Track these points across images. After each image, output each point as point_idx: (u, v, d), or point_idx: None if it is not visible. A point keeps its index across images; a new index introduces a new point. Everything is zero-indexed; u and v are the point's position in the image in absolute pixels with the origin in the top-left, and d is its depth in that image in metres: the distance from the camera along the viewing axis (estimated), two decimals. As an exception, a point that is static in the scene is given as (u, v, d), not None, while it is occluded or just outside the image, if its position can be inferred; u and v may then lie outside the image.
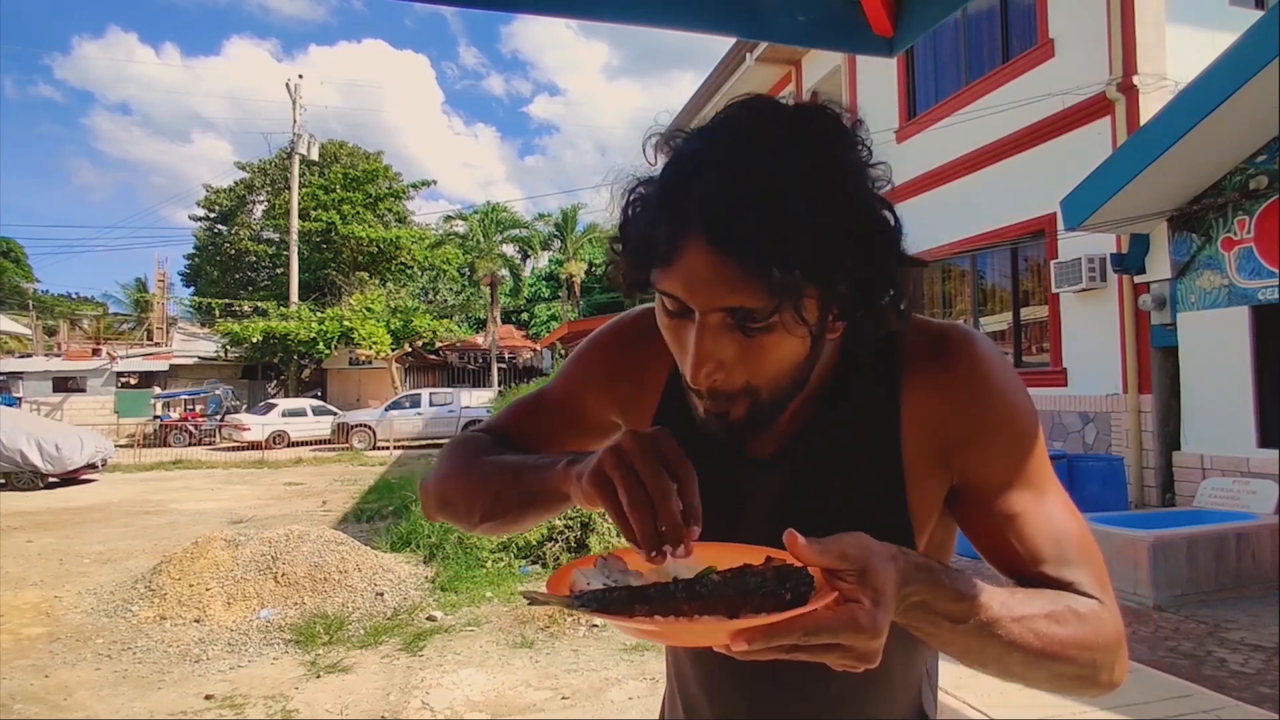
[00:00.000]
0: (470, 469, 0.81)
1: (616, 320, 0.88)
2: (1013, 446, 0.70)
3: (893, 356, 0.73)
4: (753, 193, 0.57)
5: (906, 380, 0.72)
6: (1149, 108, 6.35)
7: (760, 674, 0.74)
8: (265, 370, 25.83)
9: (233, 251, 30.87)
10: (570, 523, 6.32)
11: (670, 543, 0.57)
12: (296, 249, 27.39)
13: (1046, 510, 0.69)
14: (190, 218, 32.86)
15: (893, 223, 0.64)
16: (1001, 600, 0.59)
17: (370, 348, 22.94)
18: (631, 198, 0.66)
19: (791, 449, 0.75)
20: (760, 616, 0.50)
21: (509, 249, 32.42)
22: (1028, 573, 0.68)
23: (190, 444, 20.45)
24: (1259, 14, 6.34)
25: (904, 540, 0.68)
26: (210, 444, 20.47)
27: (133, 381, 23.81)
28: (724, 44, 12.40)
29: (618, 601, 0.54)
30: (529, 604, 0.58)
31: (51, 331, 28.97)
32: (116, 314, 34.60)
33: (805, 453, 0.74)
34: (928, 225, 9.17)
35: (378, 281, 29.34)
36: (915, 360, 0.72)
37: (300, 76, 40.83)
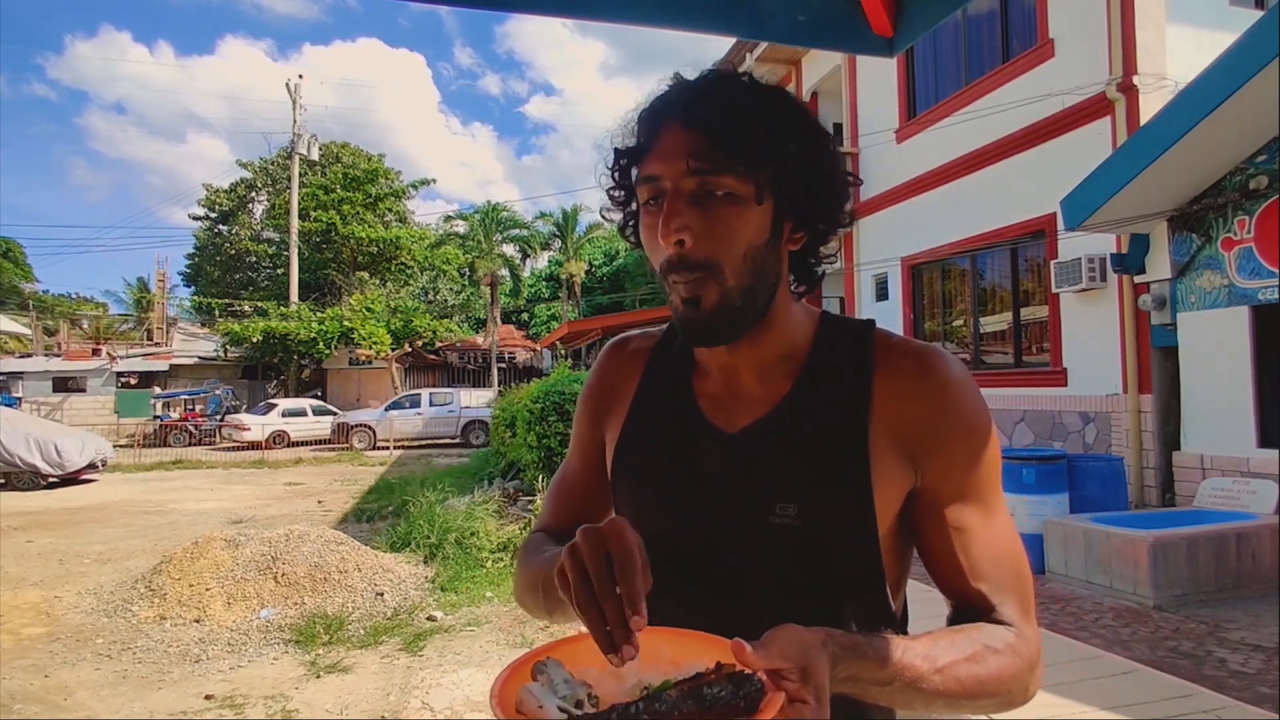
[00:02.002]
0: (524, 574, 0.88)
1: (595, 362, 0.97)
2: (972, 464, 0.75)
3: (868, 354, 0.78)
4: (718, 92, 0.72)
5: (880, 381, 0.76)
6: (1149, 108, 6.35)
7: None
8: (265, 370, 25.82)
9: (233, 251, 30.87)
10: (570, 523, 6.31)
11: (619, 642, 0.60)
12: (296, 249, 27.39)
13: (993, 530, 0.76)
14: (190, 217, 32.89)
15: (839, 158, 0.76)
16: (924, 654, 0.65)
17: (370, 348, 22.94)
18: (621, 132, 0.78)
19: (762, 426, 0.78)
20: None
21: (509, 249, 32.44)
22: (965, 590, 0.75)
23: (190, 444, 20.44)
24: (1259, 14, 6.34)
25: (868, 527, 0.73)
26: (210, 444, 20.46)
27: (133, 381, 23.79)
28: (724, 44, 12.39)
29: None
30: None
31: (51, 331, 28.96)
32: (117, 314, 34.64)
33: (775, 431, 0.77)
34: (928, 225, 9.18)
35: (378, 281, 29.33)
36: (892, 367, 0.77)
37: (300, 76, 40.86)
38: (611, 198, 0.82)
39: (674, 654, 0.64)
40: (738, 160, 0.69)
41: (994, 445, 0.77)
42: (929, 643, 0.67)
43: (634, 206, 0.80)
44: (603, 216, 0.87)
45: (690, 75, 0.76)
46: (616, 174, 0.80)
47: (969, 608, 0.75)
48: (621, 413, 0.88)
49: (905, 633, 0.81)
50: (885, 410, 0.75)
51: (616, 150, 0.78)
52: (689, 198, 0.71)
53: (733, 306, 0.72)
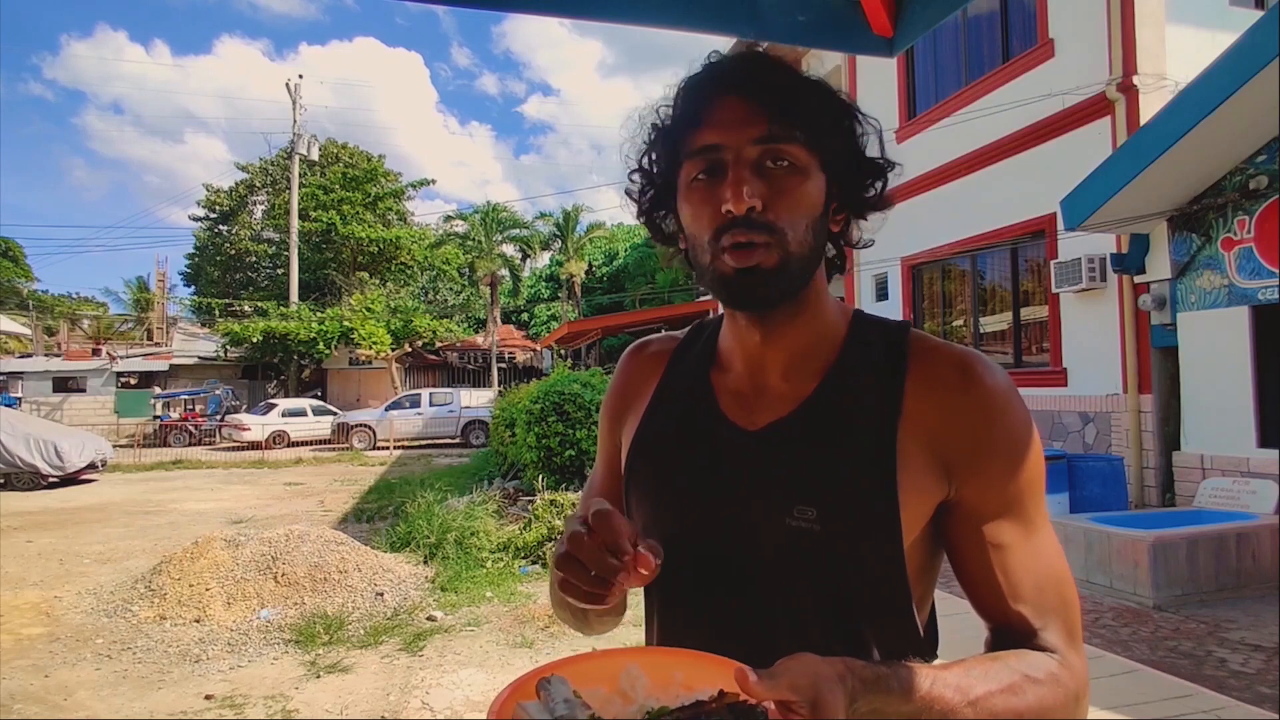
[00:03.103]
0: (554, 579, 0.87)
1: (616, 367, 0.97)
2: (1013, 478, 0.71)
3: (901, 357, 0.75)
4: (771, 66, 0.73)
5: (913, 386, 0.73)
6: (1149, 108, 6.35)
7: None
8: (265, 370, 25.82)
9: (233, 251, 30.87)
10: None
11: (603, 580, 0.63)
12: (297, 249, 27.39)
13: (1034, 548, 0.71)
14: (190, 217, 32.87)
15: (876, 141, 0.77)
16: (956, 685, 0.61)
17: (370, 348, 22.94)
18: (658, 110, 0.77)
19: (784, 425, 0.75)
20: None
21: (509, 249, 32.44)
22: (1005, 612, 0.71)
23: (190, 444, 20.44)
24: (1259, 14, 6.34)
25: (891, 537, 0.69)
26: (210, 444, 20.46)
27: (133, 381, 23.79)
28: (724, 44, 12.38)
29: None
30: None
31: (51, 331, 28.95)
32: (117, 314, 34.61)
33: (798, 430, 0.74)
34: (928, 225, 9.18)
35: (378, 281, 29.34)
36: (928, 372, 0.73)
37: (300, 76, 40.85)
38: (641, 181, 0.81)
39: (687, 677, 0.61)
40: (804, 132, 0.70)
41: (1037, 459, 0.72)
42: (961, 672, 0.63)
43: (664, 189, 0.79)
44: (627, 193, 0.84)
45: (718, 57, 0.76)
46: (654, 152, 0.78)
47: (1008, 632, 0.71)
48: (640, 413, 0.86)
49: (934, 648, 0.77)
50: (918, 416, 0.71)
51: (661, 126, 0.77)
52: (753, 166, 0.70)
53: (788, 270, 0.71)
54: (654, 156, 0.78)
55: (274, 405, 20.73)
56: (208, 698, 3.78)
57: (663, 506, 0.80)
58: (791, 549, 0.71)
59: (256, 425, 19.39)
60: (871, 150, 0.77)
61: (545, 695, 0.59)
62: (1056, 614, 0.70)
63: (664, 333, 0.93)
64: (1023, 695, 0.63)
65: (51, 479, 12.17)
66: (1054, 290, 7.31)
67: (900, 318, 9.63)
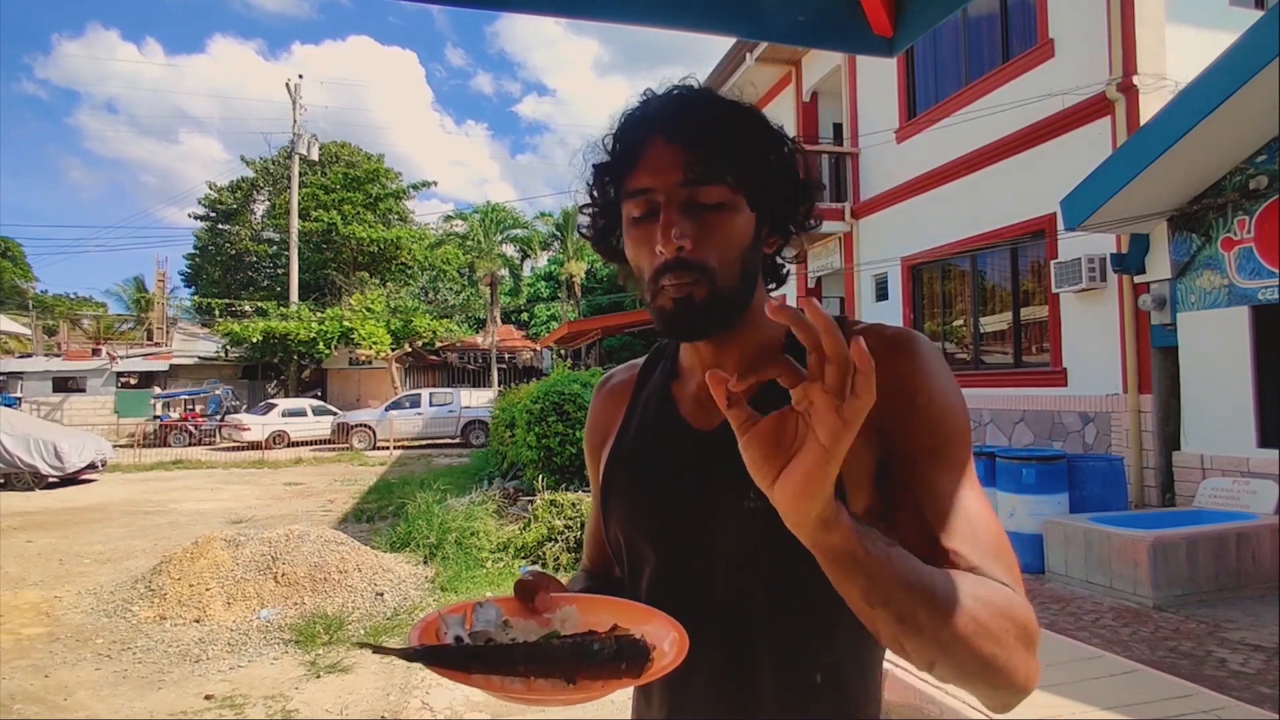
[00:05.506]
0: None
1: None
2: (937, 429, 0.73)
3: None
4: (696, 107, 0.77)
5: None
6: (1149, 108, 6.35)
7: (720, 671, 0.79)
8: (265, 370, 25.81)
9: (233, 251, 30.87)
10: (570, 523, 6.32)
11: None
12: (297, 249, 27.39)
13: (964, 498, 0.71)
14: (191, 216, 32.86)
15: (801, 165, 0.80)
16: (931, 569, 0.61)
17: (370, 348, 22.94)
18: (601, 146, 0.81)
19: None
20: (597, 684, 0.55)
21: (509, 249, 32.43)
22: (934, 551, 0.68)
23: (190, 444, 20.44)
24: (1259, 14, 6.34)
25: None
26: (210, 444, 20.46)
27: (133, 381, 23.80)
28: (723, 44, 12.39)
29: (452, 659, 0.57)
30: (373, 652, 0.61)
31: (51, 331, 28.96)
32: (116, 314, 34.62)
33: None
34: (928, 225, 9.18)
35: (378, 281, 29.34)
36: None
37: (300, 76, 40.82)
38: (590, 213, 0.85)
39: (614, 620, 0.65)
40: (728, 172, 0.74)
41: (960, 414, 0.75)
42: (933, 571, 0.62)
43: (611, 220, 0.83)
44: (580, 233, 0.89)
45: (660, 91, 0.80)
46: (595, 191, 0.83)
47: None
48: (613, 435, 0.93)
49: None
50: None
51: (597, 167, 0.81)
52: (681, 207, 0.74)
53: (721, 303, 0.76)
54: (599, 194, 0.83)
55: (274, 405, 20.73)
56: (208, 698, 3.78)
57: (636, 507, 0.87)
58: (750, 529, 0.77)
59: (256, 425, 19.39)
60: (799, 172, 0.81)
61: (474, 615, 0.64)
62: (998, 561, 0.67)
63: (626, 364, 1.00)
64: (999, 592, 0.63)
65: (51, 479, 12.17)
66: (1054, 290, 7.31)
67: (901, 318, 9.66)
